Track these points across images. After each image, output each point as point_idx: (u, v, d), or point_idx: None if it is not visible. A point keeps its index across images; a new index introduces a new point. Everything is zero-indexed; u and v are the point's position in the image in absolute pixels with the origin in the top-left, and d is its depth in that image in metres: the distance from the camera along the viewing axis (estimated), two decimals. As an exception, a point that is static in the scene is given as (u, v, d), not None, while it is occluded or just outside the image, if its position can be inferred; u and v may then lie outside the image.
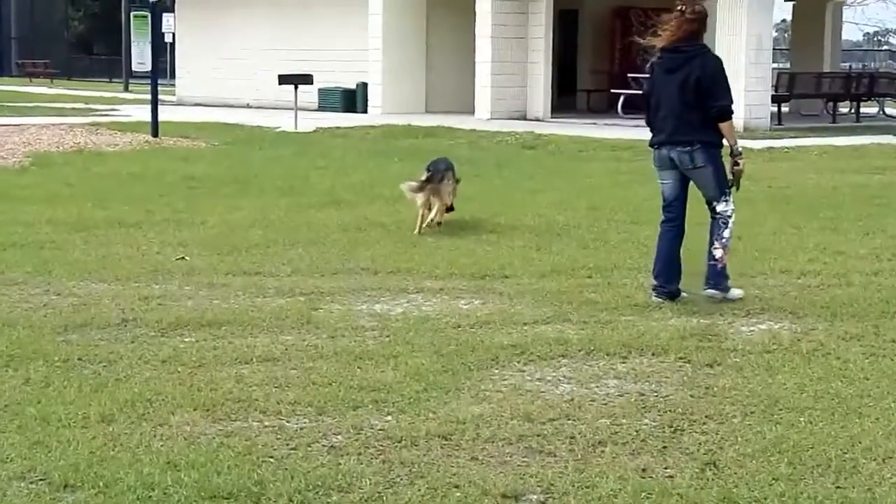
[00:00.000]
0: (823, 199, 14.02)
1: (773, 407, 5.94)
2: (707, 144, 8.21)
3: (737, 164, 8.29)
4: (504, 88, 28.44)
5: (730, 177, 8.36)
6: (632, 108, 29.47)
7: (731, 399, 6.08)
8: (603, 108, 31.10)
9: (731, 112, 8.27)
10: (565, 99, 31.63)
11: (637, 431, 5.57)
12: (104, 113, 29.69)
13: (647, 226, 11.68)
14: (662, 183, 8.49)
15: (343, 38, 31.78)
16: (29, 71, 58.57)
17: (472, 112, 28.47)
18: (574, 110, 31.03)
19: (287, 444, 5.33)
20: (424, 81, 30.97)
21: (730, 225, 8.38)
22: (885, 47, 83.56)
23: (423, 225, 11.34)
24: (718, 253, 8.35)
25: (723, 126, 8.21)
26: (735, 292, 8.41)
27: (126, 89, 45.46)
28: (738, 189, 8.43)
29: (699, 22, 8.30)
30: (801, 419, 5.75)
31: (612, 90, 30.50)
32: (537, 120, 27.76)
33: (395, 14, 30.28)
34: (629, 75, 30.33)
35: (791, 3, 34.78)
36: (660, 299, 8.32)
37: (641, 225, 11.75)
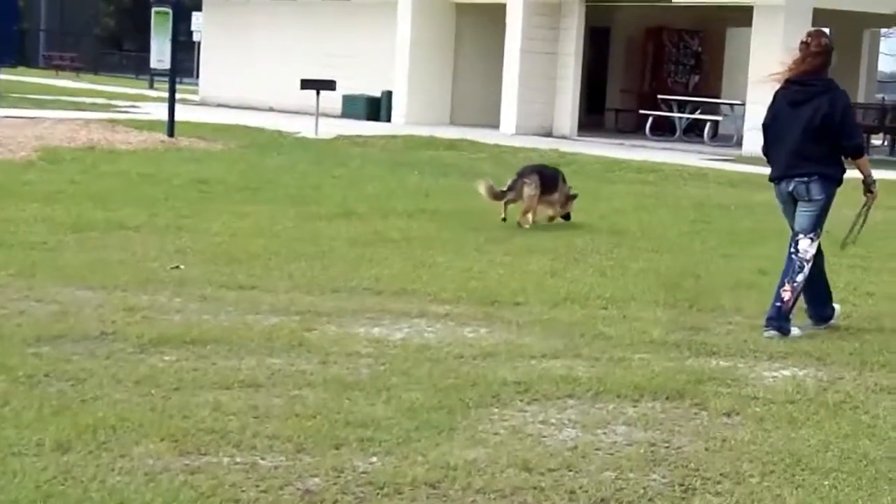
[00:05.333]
0: (854, 234, 13.44)
1: (795, 466, 5.42)
2: (826, 177, 8.10)
3: (870, 191, 8.30)
4: (531, 104, 27.98)
5: (865, 211, 8.49)
6: (660, 129, 29.07)
7: (750, 455, 5.56)
8: (631, 128, 30.63)
9: (864, 149, 8.36)
10: (593, 117, 31.15)
11: (644, 489, 5.05)
12: (124, 109, 29.34)
13: (668, 255, 11.21)
14: (787, 219, 8.42)
15: (370, 46, 31.37)
16: (55, 64, 58.39)
17: (497, 126, 28.00)
18: (601, 129, 30.53)
19: (257, 486, 4.83)
20: (450, 93, 30.51)
21: (805, 270, 8.16)
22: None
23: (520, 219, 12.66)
24: (787, 295, 8.11)
25: (859, 162, 8.21)
26: (795, 332, 8.11)
27: (151, 87, 45.32)
28: (863, 224, 8.57)
29: (825, 55, 8.18)
30: (825, 483, 5.22)
31: (641, 111, 30.01)
32: (563, 137, 27.28)
33: (424, 23, 29.85)
34: (659, 96, 29.89)
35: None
36: (818, 327, 8.30)
37: (663, 254, 11.27)
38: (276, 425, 5.56)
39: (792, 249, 8.22)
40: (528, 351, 7.29)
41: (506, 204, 12.79)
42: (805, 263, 8.15)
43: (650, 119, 28.93)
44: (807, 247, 8.17)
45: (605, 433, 5.81)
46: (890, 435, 5.97)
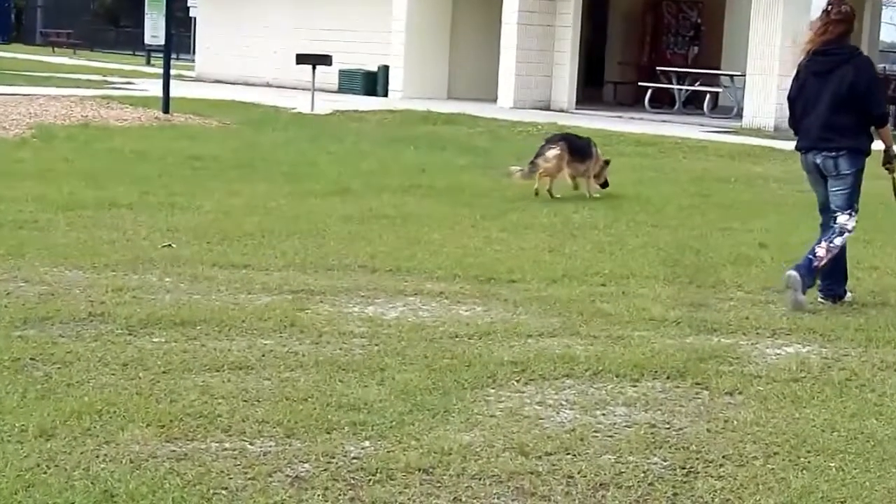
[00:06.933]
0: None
1: (800, 448, 5.27)
2: (854, 151, 8.01)
3: (890, 161, 8.22)
4: (529, 77, 27.73)
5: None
6: (659, 102, 28.85)
7: (753, 436, 5.41)
8: (630, 101, 30.41)
9: (888, 117, 8.25)
10: (592, 90, 30.90)
11: (645, 473, 4.91)
12: (119, 86, 29.11)
13: (668, 229, 11.06)
14: (813, 189, 8.37)
15: (366, 19, 31.10)
16: (52, 40, 58.03)
17: (494, 100, 27.78)
18: (600, 102, 30.30)
19: (245, 473, 4.68)
20: (447, 66, 30.26)
21: (845, 236, 8.13)
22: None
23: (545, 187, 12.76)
24: (821, 252, 8.04)
25: (882, 131, 8.12)
26: (803, 297, 7.96)
27: (148, 63, 45.06)
28: None
29: (846, 22, 8.05)
30: (832, 465, 5.08)
31: (640, 83, 29.79)
32: (562, 111, 27.04)
33: (421, -4, 29.61)
34: (658, 68, 29.66)
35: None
36: (826, 302, 8.17)
37: (662, 229, 11.10)
38: (265, 409, 5.41)
39: (832, 223, 8.17)
40: (525, 329, 7.13)
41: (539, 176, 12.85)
42: (845, 231, 8.12)
43: (649, 91, 28.69)
44: (845, 220, 8.13)
45: (604, 414, 5.67)
46: (897, 414, 5.83)
